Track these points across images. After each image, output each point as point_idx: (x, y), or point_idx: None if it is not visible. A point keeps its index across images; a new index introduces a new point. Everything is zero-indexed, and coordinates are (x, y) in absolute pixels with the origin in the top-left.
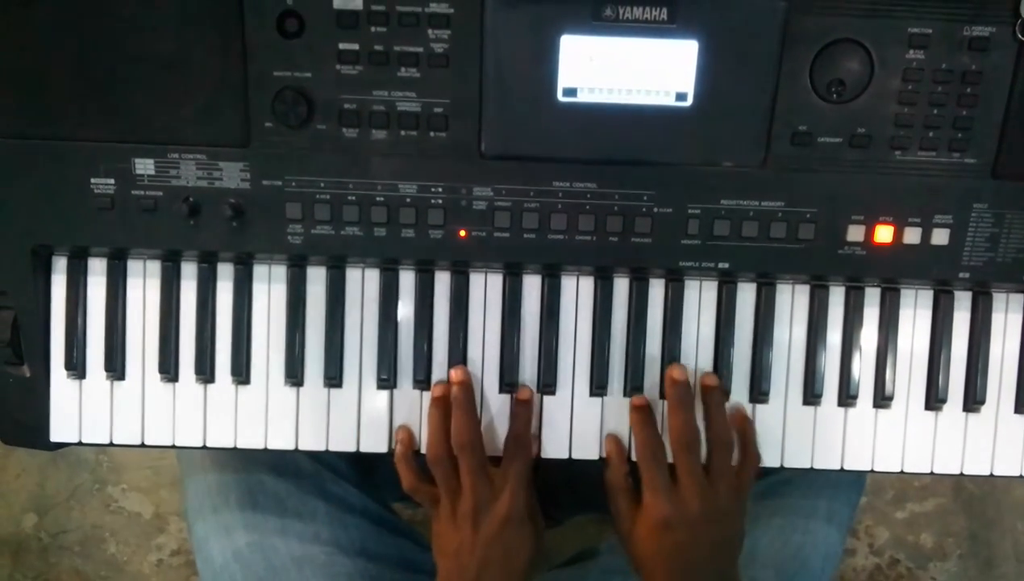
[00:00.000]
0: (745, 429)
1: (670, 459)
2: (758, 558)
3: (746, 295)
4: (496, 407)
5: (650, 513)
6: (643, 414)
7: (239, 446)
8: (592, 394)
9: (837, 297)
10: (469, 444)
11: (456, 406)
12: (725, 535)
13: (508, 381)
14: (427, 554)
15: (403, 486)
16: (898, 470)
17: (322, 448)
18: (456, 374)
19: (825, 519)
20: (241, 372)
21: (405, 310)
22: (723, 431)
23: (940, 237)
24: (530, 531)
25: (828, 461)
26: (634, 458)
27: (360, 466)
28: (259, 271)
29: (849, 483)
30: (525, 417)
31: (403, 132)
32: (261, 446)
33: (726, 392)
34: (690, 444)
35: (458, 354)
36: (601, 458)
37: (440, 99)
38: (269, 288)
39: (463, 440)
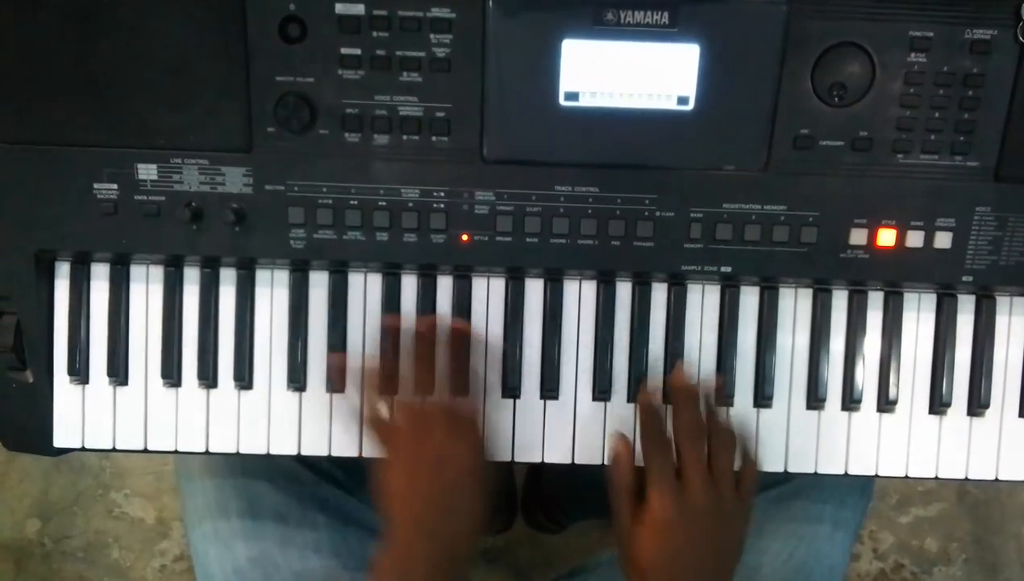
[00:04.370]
0: (745, 437)
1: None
2: (763, 571)
3: (749, 299)
4: (499, 412)
5: (655, 512)
6: (651, 411)
7: (242, 451)
8: (595, 399)
9: (840, 301)
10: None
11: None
12: (726, 538)
13: (511, 386)
14: None
15: (367, 415)
16: (902, 475)
17: (325, 453)
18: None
19: (831, 528)
20: (244, 377)
21: (408, 315)
22: (724, 431)
23: (943, 240)
24: (485, 486)
25: (832, 466)
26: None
27: (356, 476)
28: (261, 276)
29: (856, 490)
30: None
31: (405, 136)
32: (264, 451)
33: (729, 396)
34: (696, 437)
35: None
36: (604, 465)
37: (442, 103)
38: (271, 293)
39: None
